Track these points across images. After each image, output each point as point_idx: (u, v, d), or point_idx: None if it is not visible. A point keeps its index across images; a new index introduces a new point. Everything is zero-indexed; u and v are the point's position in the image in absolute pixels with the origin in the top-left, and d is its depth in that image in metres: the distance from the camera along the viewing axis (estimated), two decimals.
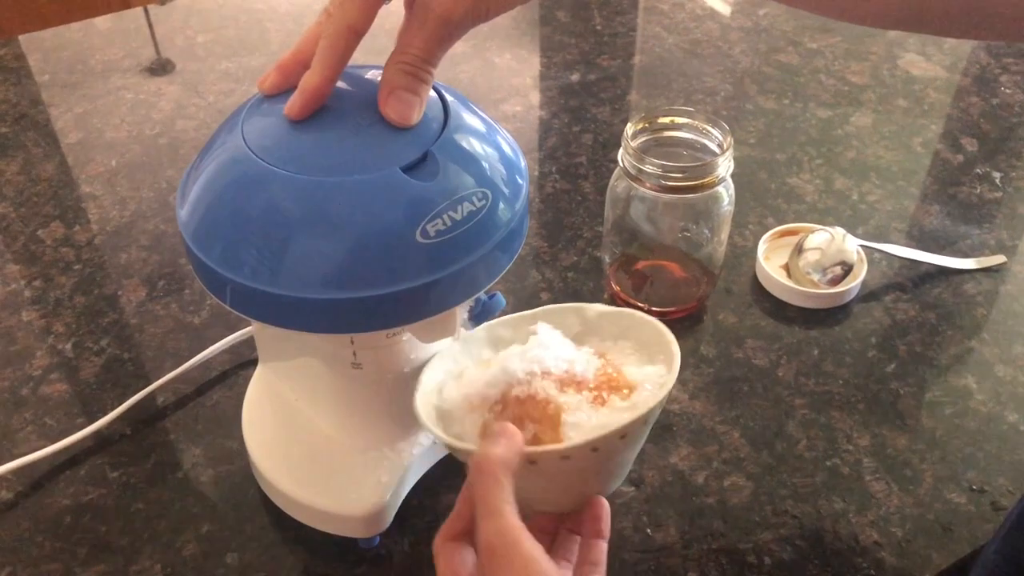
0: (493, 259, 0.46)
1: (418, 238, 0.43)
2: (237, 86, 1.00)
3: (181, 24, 1.12)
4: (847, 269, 0.74)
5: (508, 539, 0.38)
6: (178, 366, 0.68)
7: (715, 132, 0.67)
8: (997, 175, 0.88)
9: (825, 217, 0.83)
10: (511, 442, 0.41)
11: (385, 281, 0.43)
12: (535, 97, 1.00)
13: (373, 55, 0.49)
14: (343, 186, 0.43)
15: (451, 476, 0.59)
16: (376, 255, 0.42)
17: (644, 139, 0.68)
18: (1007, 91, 1.00)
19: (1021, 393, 0.67)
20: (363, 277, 0.42)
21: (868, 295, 0.75)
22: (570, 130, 0.94)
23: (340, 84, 0.47)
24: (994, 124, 0.95)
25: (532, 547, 0.38)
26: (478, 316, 0.49)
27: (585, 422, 0.44)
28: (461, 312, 0.49)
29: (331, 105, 0.46)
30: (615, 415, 0.45)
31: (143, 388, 0.66)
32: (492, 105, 0.97)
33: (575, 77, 1.03)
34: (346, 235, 0.42)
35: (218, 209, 0.45)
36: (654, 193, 0.65)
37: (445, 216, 0.44)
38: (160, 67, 1.04)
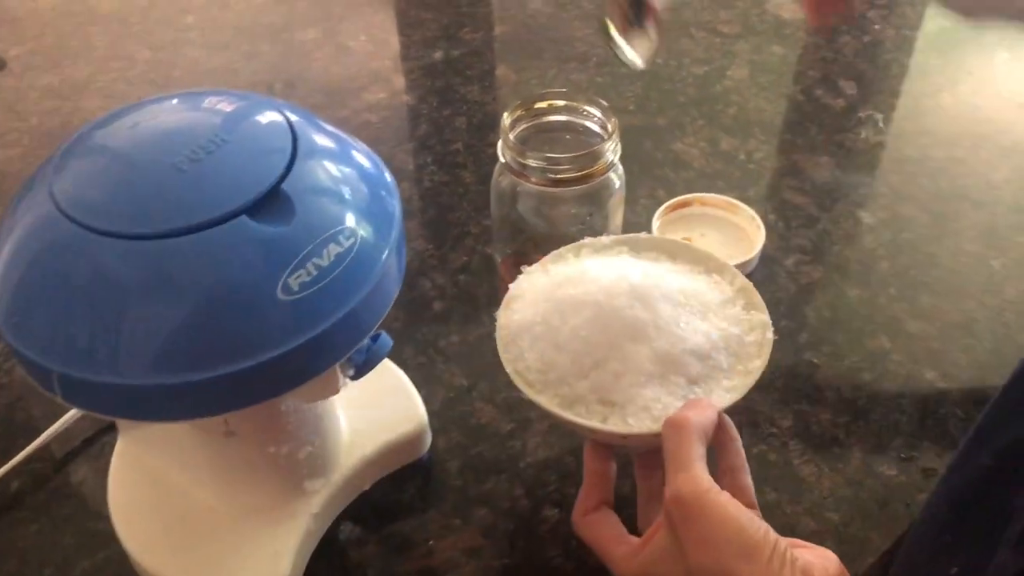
0: (373, 301, 0.40)
1: (280, 295, 0.37)
2: (63, 103, 0.89)
3: None
4: None
5: (700, 489, 0.39)
6: (32, 441, 0.59)
7: (596, 112, 0.62)
8: (879, 116, 0.87)
9: (715, 182, 0.79)
10: (706, 412, 0.43)
11: (246, 353, 0.36)
12: (398, 81, 0.93)
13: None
14: (179, 247, 0.36)
15: (365, 522, 0.54)
16: (231, 324, 0.36)
17: (523, 127, 0.62)
18: (877, 27, 0.99)
19: (935, 347, 0.65)
20: (220, 352, 0.36)
21: (769, 261, 0.72)
22: (440, 114, 0.88)
23: (160, 114, 0.40)
24: (869, 63, 0.94)
25: (724, 497, 0.39)
26: (361, 367, 0.42)
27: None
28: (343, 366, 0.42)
29: (150, 139, 0.39)
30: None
31: None
32: (352, 94, 0.90)
33: (438, 55, 0.96)
34: (191, 306, 0.36)
35: (29, 287, 0.37)
36: (541, 188, 0.60)
37: (309, 264, 0.37)
38: None
